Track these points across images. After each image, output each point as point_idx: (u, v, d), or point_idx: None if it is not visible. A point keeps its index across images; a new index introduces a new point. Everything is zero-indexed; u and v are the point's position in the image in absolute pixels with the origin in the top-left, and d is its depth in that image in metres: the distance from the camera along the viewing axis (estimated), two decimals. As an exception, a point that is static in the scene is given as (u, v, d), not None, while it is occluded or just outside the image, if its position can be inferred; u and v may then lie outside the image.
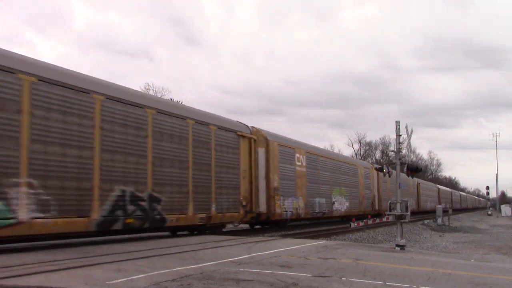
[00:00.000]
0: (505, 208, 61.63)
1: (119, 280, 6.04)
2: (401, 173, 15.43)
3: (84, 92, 10.67)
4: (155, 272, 6.73)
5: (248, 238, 13.72)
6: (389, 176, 16.87)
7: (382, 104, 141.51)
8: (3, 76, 9.01)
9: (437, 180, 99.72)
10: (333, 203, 25.35)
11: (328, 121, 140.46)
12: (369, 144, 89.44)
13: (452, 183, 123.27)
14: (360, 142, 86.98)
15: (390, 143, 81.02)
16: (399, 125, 14.80)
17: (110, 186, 11.15)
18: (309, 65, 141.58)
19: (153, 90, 45.68)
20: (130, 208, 11.82)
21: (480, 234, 26.52)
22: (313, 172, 23.09)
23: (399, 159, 14.88)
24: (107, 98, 11.31)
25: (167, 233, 14.99)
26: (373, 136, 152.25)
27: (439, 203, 56.81)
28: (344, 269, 7.79)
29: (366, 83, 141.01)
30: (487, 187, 72.11)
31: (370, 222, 16.78)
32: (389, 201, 15.05)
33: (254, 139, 17.96)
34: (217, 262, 8.06)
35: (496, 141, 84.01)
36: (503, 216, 57.43)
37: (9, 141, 8.97)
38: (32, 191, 9.26)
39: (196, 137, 14.44)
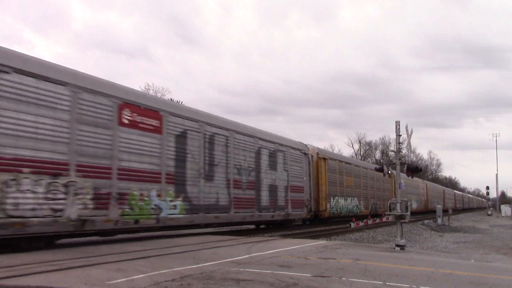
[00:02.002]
0: (505, 208, 61.64)
1: (119, 280, 6.04)
2: (433, 183, 15.68)
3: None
4: (155, 272, 6.73)
5: (248, 238, 13.73)
6: (389, 177, 16.92)
7: (382, 104, 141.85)
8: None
9: (437, 180, 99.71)
10: (411, 204, 45.70)
11: (328, 121, 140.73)
12: (369, 144, 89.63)
13: (452, 183, 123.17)
14: (360, 142, 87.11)
15: (390, 143, 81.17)
16: (399, 125, 14.80)
17: (370, 199, 31.09)
18: (309, 65, 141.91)
19: (153, 90, 45.66)
20: (373, 207, 31.66)
21: (480, 234, 26.51)
22: (408, 189, 40.67)
23: (399, 159, 14.89)
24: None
25: (167, 233, 15.04)
26: (373, 136, 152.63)
27: (455, 203, 77.55)
28: (344, 269, 7.79)
29: (366, 82, 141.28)
30: (487, 187, 72.02)
31: (370, 222, 16.79)
32: (389, 202, 15.10)
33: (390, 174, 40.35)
34: (217, 262, 8.06)
35: (496, 141, 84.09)
36: (503, 216, 57.44)
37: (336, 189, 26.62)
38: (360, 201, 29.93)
39: (375, 177, 32.88)
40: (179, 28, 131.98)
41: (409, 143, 15.24)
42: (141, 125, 12.24)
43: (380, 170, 16.67)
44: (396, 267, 8.69)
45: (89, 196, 10.57)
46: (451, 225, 33.29)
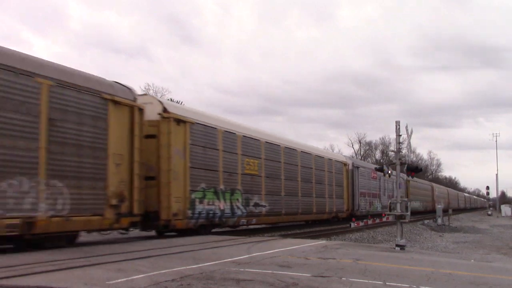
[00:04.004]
0: (505, 208, 61.73)
1: (119, 280, 6.05)
2: (451, 189, 15.86)
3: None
4: (155, 272, 6.73)
5: (248, 238, 13.73)
6: (389, 177, 16.96)
7: (382, 103, 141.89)
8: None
9: (437, 180, 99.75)
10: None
11: (328, 121, 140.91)
12: (369, 144, 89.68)
13: (452, 183, 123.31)
14: (360, 142, 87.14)
15: (390, 143, 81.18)
16: (399, 125, 14.81)
17: (422, 202, 52.12)
18: (308, 65, 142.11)
19: (153, 90, 45.70)
20: (423, 206, 52.68)
21: (480, 234, 26.54)
22: (439, 194, 59.71)
23: (399, 159, 14.89)
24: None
25: (168, 234, 15.01)
26: (373, 136, 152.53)
27: (465, 203, 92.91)
28: (344, 269, 7.79)
29: (366, 82, 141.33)
30: (487, 187, 72.03)
31: (370, 222, 16.80)
32: (390, 201, 15.11)
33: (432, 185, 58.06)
34: (217, 262, 8.06)
35: (496, 141, 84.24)
36: (503, 216, 57.50)
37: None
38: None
39: (425, 189, 56.00)
40: (179, 28, 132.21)
41: (409, 143, 15.25)
42: (373, 176, 32.70)
43: (380, 170, 16.67)
44: (396, 267, 8.70)
45: (368, 203, 31.88)
46: (451, 225, 33.32)
